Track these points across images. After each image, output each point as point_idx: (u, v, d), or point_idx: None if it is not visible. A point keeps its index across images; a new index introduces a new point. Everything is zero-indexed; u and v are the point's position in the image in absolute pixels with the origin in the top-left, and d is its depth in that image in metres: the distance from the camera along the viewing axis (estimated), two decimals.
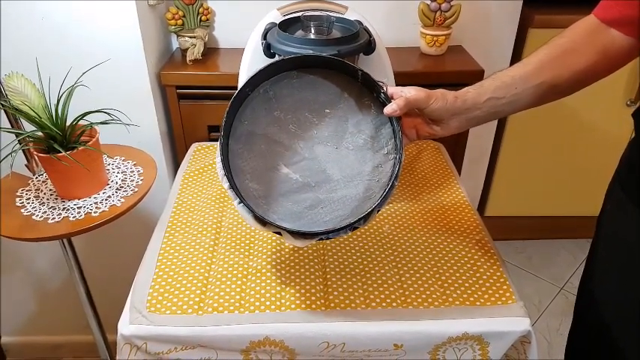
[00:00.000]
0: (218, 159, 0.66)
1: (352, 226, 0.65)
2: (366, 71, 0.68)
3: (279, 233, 0.66)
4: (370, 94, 0.71)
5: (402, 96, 0.67)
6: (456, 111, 0.68)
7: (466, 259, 0.82)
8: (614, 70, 0.65)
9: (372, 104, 0.71)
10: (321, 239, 0.66)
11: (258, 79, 0.69)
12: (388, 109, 0.67)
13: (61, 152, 0.82)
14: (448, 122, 0.69)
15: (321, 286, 0.77)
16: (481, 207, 1.80)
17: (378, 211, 0.67)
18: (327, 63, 0.70)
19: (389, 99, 0.68)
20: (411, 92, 0.67)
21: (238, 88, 0.68)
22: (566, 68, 0.65)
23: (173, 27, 1.20)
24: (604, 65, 0.65)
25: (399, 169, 0.67)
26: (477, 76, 1.20)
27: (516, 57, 1.44)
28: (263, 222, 0.64)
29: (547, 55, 0.66)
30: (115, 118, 0.88)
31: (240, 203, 0.64)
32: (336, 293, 0.76)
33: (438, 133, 0.70)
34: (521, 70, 0.67)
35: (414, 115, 0.70)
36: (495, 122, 1.60)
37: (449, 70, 1.22)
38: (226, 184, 0.65)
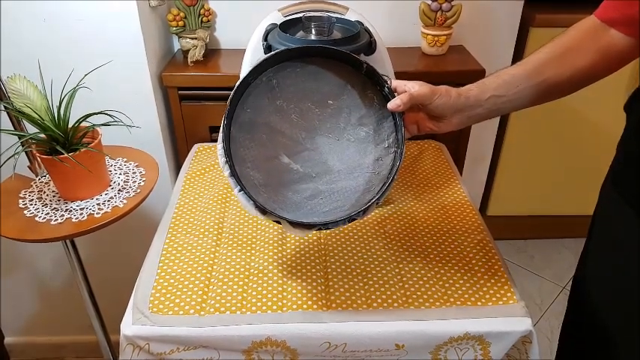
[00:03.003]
0: (219, 146, 0.66)
1: (351, 218, 0.66)
2: (370, 64, 0.68)
3: (278, 222, 0.66)
4: (373, 87, 0.71)
5: (405, 91, 0.67)
6: (458, 107, 0.68)
7: (467, 259, 0.82)
8: (614, 69, 0.66)
9: (375, 97, 0.71)
10: (320, 229, 0.67)
11: (263, 67, 0.68)
12: (392, 105, 0.67)
13: (63, 154, 0.82)
14: (450, 118, 0.69)
15: (323, 287, 0.77)
16: (483, 206, 1.80)
17: (377, 203, 0.67)
18: (332, 54, 0.70)
19: (393, 93, 0.68)
20: (415, 87, 0.67)
21: (241, 79, 0.68)
22: (568, 67, 0.66)
23: (174, 28, 1.21)
24: (605, 65, 0.65)
25: (399, 162, 0.67)
26: (478, 75, 1.19)
27: (517, 56, 1.44)
28: (263, 211, 0.65)
29: (548, 53, 0.67)
30: (117, 119, 0.88)
31: (240, 191, 0.64)
32: (337, 293, 0.76)
33: (439, 128, 0.70)
34: (523, 68, 0.67)
35: (416, 109, 0.70)
36: (497, 122, 1.60)
37: (450, 70, 1.22)
38: (227, 172, 0.65)
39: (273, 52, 0.68)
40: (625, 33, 0.62)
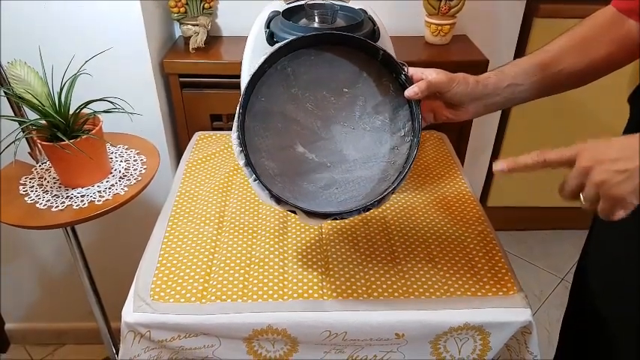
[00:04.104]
0: (234, 135, 0.65)
1: (366, 208, 0.65)
2: (387, 51, 0.67)
3: (293, 212, 0.65)
4: (389, 74, 0.70)
5: (422, 78, 0.66)
6: (476, 96, 0.67)
7: (468, 249, 0.82)
8: (632, 59, 0.66)
9: (391, 85, 0.70)
10: (335, 219, 0.66)
11: (277, 55, 0.67)
12: (409, 92, 0.65)
13: (64, 141, 0.82)
14: (467, 107, 0.68)
15: (324, 276, 0.77)
16: (484, 197, 1.80)
17: (393, 193, 0.67)
18: (348, 41, 0.68)
19: (410, 81, 0.66)
20: (433, 75, 0.66)
21: (242, 76, 0.67)
22: (586, 56, 0.65)
23: (176, 15, 1.20)
24: (622, 55, 0.65)
25: (416, 152, 0.66)
26: (482, 66, 1.19)
27: (521, 47, 1.43)
28: (278, 200, 0.64)
29: (567, 42, 0.66)
30: (118, 106, 0.88)
31: (255, 181, 0.64)
32: (338, 283, 0.76)
33: (456, 117, 0.70)
34: (540, 58, 0.67)
35: (433, 98, 0.69)
36: (499, 112, 1.59)
37: (453, 60, 1.22)
38: (242, 161, 0.64)
39: (288, 40, 0.66)
40: None
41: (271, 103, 0.69)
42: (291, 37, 0.67)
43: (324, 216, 0.65)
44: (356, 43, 0.68)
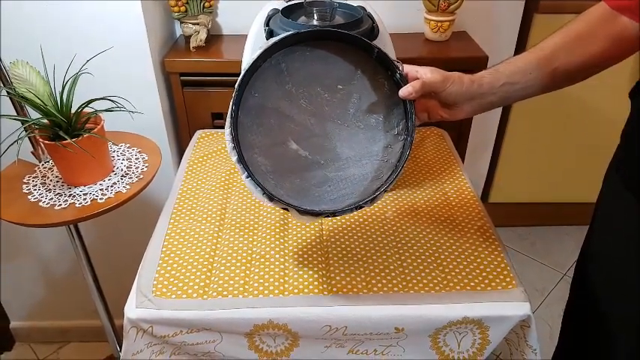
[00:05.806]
0: (227, 131, 0.65)
1: (359, 206, 0.66)
2: (382, 49, 0.67)
3: (285, 209, 0.66)
4: (385, 72, 0.70)
5: (417, 77, 0.66)
6: (471, 95, 0.67)
7: (467, 244, 0.83)
8: (626, 56, 0.65)
9: (386, 83, 0.70)
10: (328, 216, 0.67)
11: (271, 51, 0.67)
12: (404, 92, 0.65)
13: (66, 139, 0.82)
14: (462, 106, 0.68)
15: (324, 271, 0.78)
16: (485, 193, 1.80)
17: (386, 191, 0.67)
18: (342, 38, 0.68)
19: (404, 80, 0.66)
20: (427, 74, 0.65)
21: (242, 70, 0.67)
22: (580, 53, 0.65)
23: (176, 14, 1.20)
24: (616, 52, 0.65)
25: (409, 151, 0.66)
26: (481, 62, 1.19)
27: (521, 43, 1.43)
28: (270, 197, 0.64)
29: (561, 39, 0.66)
30: (120, 105, 0.89)
31: (248, 177, 0.64)
32: (338, 278, 0.77)
33: (450, 116, 0.69)
34: (535, 56, 0.67)
35: (428, 97, 0.69)
36: (500, 109, 1.59)
37: (453, 57, 1.22)
38: (235, 158, 0.64)
39: (282, 35, 0.66)
40: (635, 20, 0.61)
41: (265, 98, 0.68)
42: (286, 33, 0.67)
43: (317, 214, 0.65)
44: (351, 40, 0.68)
